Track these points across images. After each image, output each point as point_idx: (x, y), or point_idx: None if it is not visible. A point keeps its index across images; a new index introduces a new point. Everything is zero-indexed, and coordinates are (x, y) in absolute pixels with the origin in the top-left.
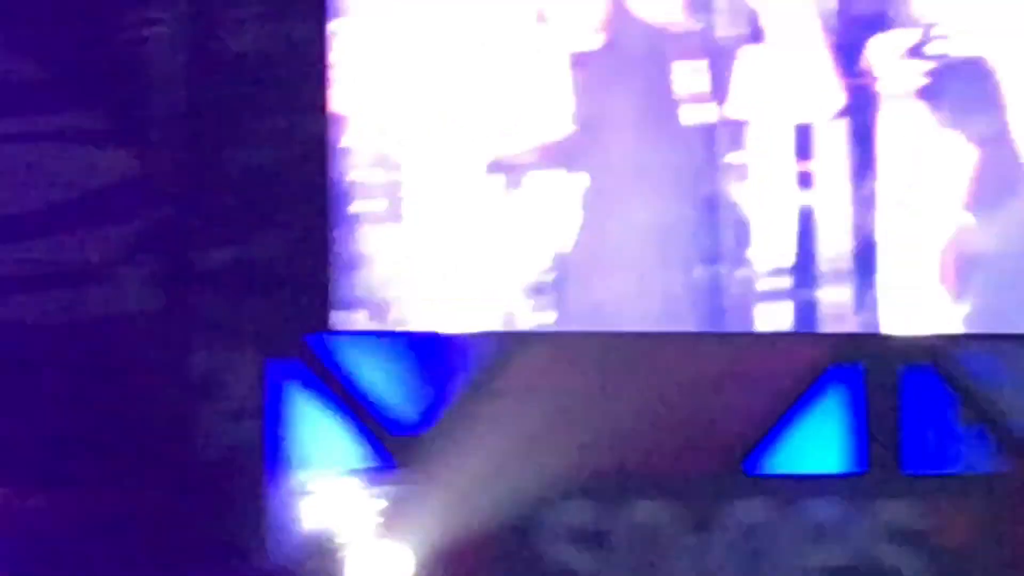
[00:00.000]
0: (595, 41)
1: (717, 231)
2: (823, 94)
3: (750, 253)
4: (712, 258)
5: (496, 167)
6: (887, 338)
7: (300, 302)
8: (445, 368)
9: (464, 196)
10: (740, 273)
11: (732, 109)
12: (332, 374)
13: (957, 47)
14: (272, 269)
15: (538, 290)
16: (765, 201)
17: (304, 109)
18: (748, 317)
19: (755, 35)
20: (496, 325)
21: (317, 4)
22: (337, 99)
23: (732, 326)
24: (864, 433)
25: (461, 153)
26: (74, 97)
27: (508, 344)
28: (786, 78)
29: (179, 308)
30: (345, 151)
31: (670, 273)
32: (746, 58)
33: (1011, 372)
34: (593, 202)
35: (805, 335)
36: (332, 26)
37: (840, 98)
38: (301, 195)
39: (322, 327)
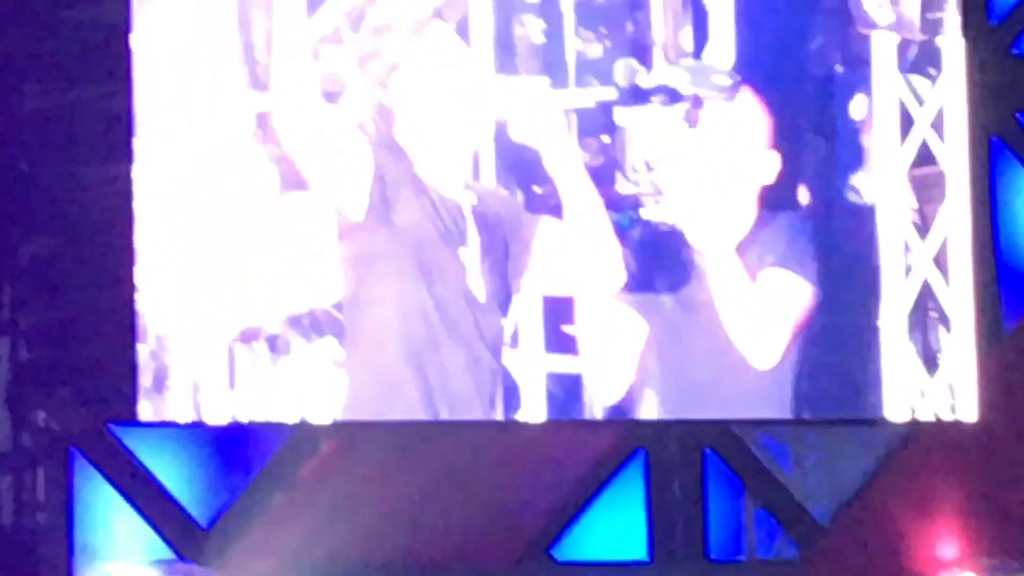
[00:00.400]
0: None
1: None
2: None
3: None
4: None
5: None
6: (685, 423)
7: (104, 392)
8: (240, 459)
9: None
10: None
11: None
12: (132, 464)
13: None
14: (77, 358)
15: None
16: None
17: None
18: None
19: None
20: (293, 416)
21: None
22: None
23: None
24: (663, 519)
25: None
26: None
27: (302, 435)
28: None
29: None
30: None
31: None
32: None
33: (805, 458)
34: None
35: (605, 422)
36: None
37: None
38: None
39: (126, 417)
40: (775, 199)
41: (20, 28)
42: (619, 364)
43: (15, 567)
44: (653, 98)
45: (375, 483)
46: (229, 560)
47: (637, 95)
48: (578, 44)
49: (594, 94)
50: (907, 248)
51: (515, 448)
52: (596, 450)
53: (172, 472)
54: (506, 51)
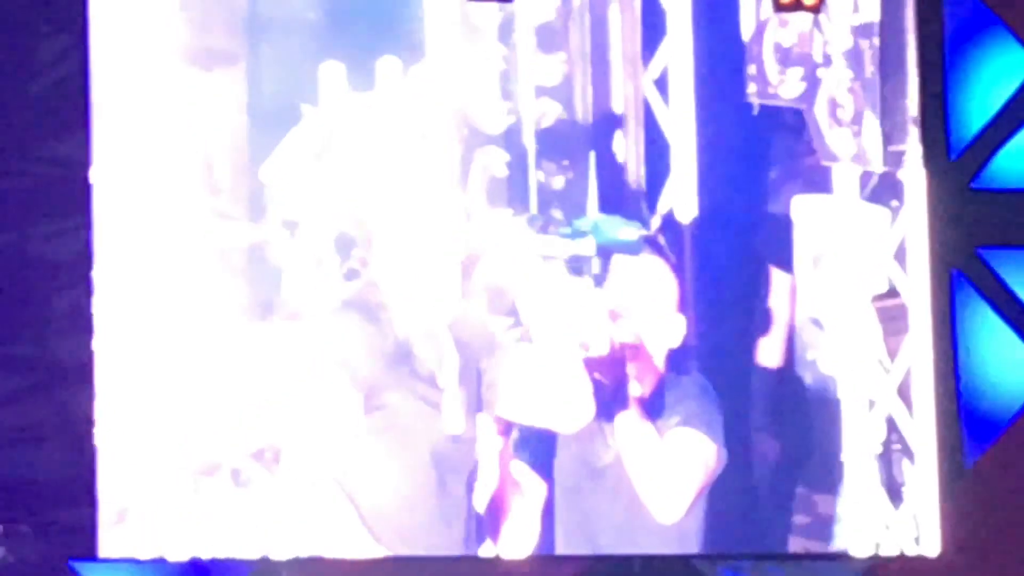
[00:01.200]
0: None
1: None
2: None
3: None
4: None
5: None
6: (650, 558)
7: (64, 527)
8: None
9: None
10: None
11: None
12: None
13: None
14: (36, 492)
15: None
16: None
17: None
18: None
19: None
20: (255, 552)
21: None
22: None
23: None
24: None
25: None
26: None
27: (263, 571)
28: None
29: None
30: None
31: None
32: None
33: None
34: None
35: (568, 556)
36: None
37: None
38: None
39: (89, 554)
40: (681, 361)
41: None
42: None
43: None
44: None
45: None
46: None
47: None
48: (540, 176)
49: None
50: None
51: None
52: None
53: None
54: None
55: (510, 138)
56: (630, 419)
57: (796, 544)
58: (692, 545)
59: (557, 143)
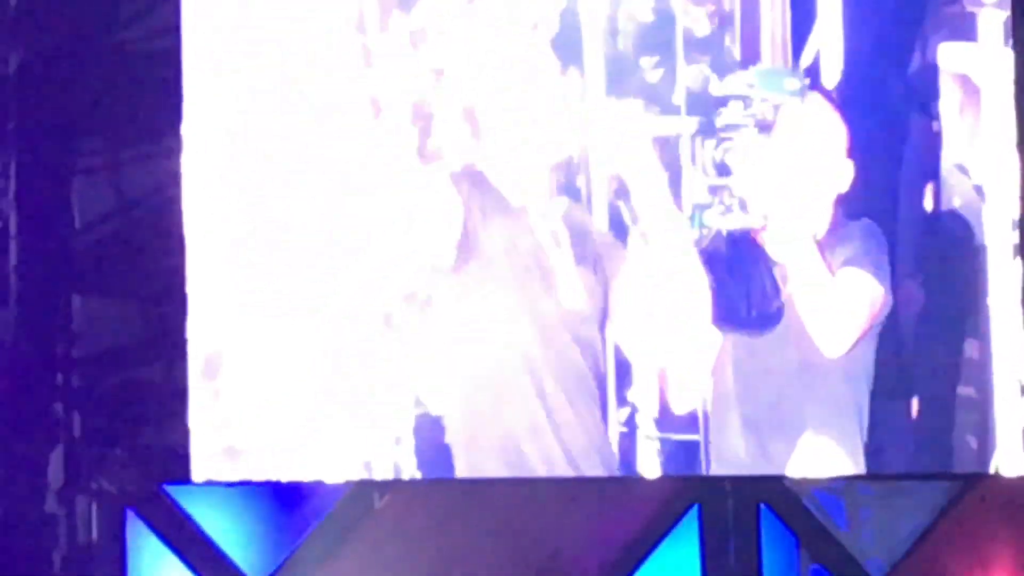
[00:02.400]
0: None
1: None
2: None
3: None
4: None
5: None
6: (743, 479)
7: (160, 451)
8: (295, 517)
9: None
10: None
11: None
12: (187, 523)
13: None
14: (130, 419)
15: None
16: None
17: None
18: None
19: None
20: (349, 474)
21: None
22: None
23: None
24: (718, 573)
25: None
26: None
27: (359, 492)
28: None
29: (38, 457)
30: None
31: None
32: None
33: (860, 512)
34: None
35: (660, 478)
36: None
37: None
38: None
39: (182, 476)
40: (852, 206)
41: None
42: (696, 373)
43: None
44: (730, 103)
45: (428, 540)
46: None
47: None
48: (686, 22)
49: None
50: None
51: (570, 503)
52: (651, 506)
53: (226, 531)
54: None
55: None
56: (806, 256)
57: (950, 390)
58: (862, 383)
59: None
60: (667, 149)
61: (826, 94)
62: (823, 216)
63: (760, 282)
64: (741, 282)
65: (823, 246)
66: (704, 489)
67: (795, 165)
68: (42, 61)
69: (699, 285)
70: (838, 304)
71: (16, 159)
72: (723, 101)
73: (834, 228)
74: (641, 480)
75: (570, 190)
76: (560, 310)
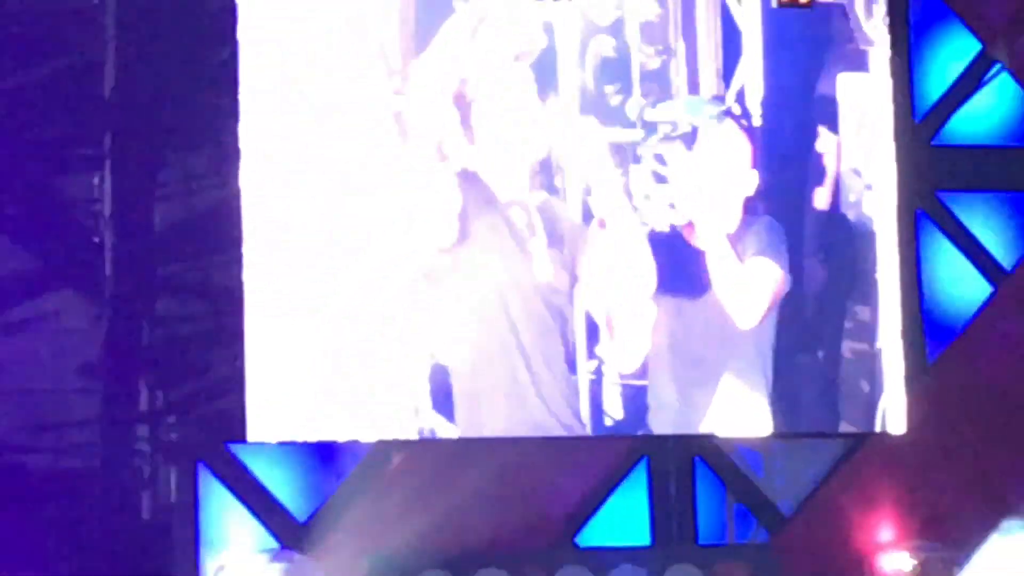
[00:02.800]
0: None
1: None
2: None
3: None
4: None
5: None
6: (681, 437)
7: (224, 416)
8: (332, 468)
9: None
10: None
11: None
12: (247, 474)
13: None
14: (203, 390)
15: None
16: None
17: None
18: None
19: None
20: (373, 434)
21: None
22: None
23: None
24: (662, 512)
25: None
26: None
27: (381, 449)
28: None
29: (128, 423)
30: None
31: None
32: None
33: (774, 463)
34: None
35: (616, 436)
36: None
37: None
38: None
39: (240, 436)
40: (757, 206)
41: None
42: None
43: (154, 557)
44: (660, 128)
45: (436, 488)
46: (323, 549)
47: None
48: (641, 58)
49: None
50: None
51: (547, 457)
52: (609, 458)
53: (277, 478)
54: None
55: (616, 29)
56: (720, 249)
57: (844, 345)
58: (766, 347)
59: (653, 33)
60: (623, 157)
61: (736, 120)
62: (734, 215)
63: (683, 268)
64: (669, 267)
65: (734, 239)
66: (652, 445)
67: (711, 175)
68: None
69: (645, 265)
70: (748, 286)
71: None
72: (655, 126)
73: (743, 224)
74: (602, 438)
75: (550, 187)
76: (536, 282)
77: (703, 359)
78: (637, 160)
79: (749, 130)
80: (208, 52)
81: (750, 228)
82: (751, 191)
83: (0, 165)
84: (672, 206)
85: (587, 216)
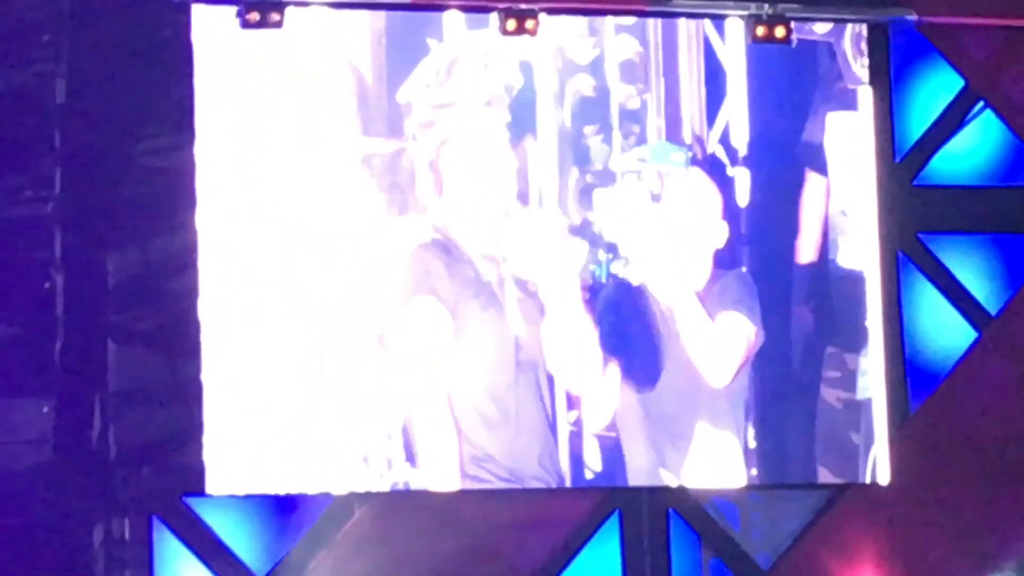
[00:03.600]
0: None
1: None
2: None
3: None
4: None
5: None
6: (655, 489)
7: (180, 468)
8: (296, 522)
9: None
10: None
11: None
12: (204, 529)
13: None
14: (153, 436)
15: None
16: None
17: None
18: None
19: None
20: (337, 487)
21: None
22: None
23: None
24: (635, 566)
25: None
26: None
27: (344, 503)
28: None
29: (79, 474)
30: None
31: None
32: None
33: (751, 515)
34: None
35: (589, 488)
36: None
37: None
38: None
39: (197, 489)
40: (726, 259)
41: None
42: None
43: None
44: (624, 176)
45: (401, 542)
46: None
47: (608, 175)
48: (620, 98)
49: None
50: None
51: (516, 510)
52: (582, 510)
53: (236, 533)
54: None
55: (595, 67)
56: (687, 307)
57: (829, 395)
58: (739, 404)
59: (633, 72)
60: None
61: (704, 167)
62: (703, 269)
63: (649, 325)
64: (634, 324)
65: (704, 294)
66: (624, 497)
67: (677, 228)
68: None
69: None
70: (719, 344)
71: (61, 236)
72: (616, 176)
73: (713, 278)
74: (571, 490)
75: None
76: (511, 337)
77: (674, 416)
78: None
79: (722, 179)
80: (162, 91)
81: (719, 282)
82: (721, 243)
83: None
84: (627, 263)
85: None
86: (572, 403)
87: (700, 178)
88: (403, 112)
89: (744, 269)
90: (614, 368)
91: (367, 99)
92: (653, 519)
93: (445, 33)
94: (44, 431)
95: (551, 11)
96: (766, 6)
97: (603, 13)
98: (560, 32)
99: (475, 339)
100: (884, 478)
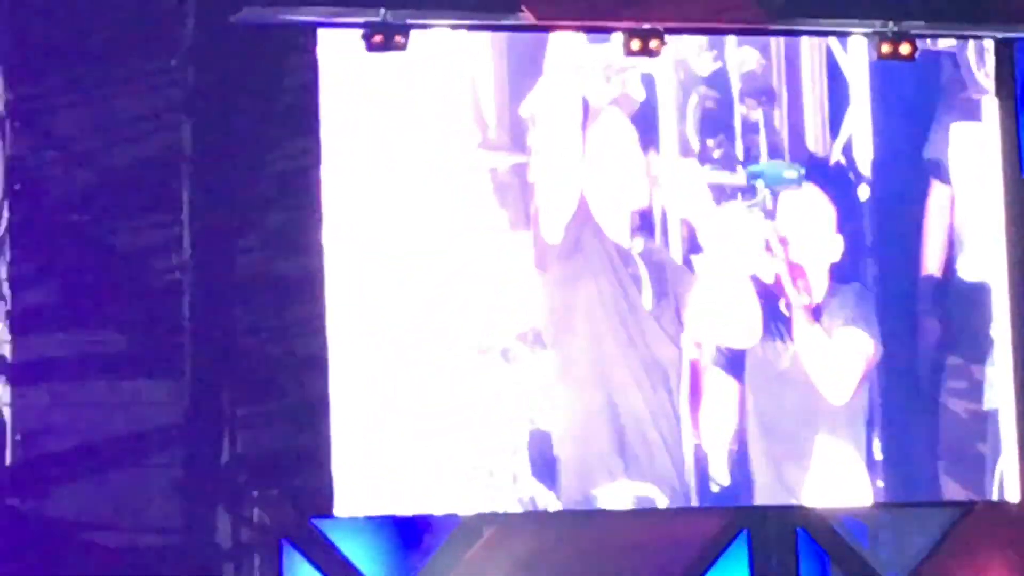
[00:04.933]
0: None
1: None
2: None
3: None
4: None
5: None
6: (782, 508)
7: (309, 491)
8: (424, 543)
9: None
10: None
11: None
12: (334, 552)
13: None
14: (281, 460)
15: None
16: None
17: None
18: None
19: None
20: (464, 507)
21: None
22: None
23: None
24: None
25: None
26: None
27: (471, 523)
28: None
29: (206, 496)
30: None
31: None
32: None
33: (880, 533)
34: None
35: (716, 508)
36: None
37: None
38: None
39: (326, 511)
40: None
41: None
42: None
43: None
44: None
45: (529, 562)
46: None
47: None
48: (742, 110)
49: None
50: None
51: (645, 530)
52: (710, 530)
53: (365, 555)
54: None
55: (718, 79)
56: (803, 325)
57: (955, 405)
58: (860, 418)
59: (755, 84)
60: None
61: (827, 178)
62: (819, 284)
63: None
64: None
65: (820, 308)
66: (751, 516)
67: (793, 243)
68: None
69: (750, 309)
70: (838, 361)
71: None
72: (732, 193)
73: (829, 293)
74: (702, 509)
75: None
76: (643, 341)
77: (795, 433)
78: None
79: (843, 189)
80: (288, 113)
81: (836, 297)
82: (836, 257)
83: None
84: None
85: (688, 263)
86: (697, 420)
87: (814, 193)
88: (525, 126)
89: (860, 283)
90: (734, 385)
91: (489, 114)
92: (781, 538)
93: (567, 48)
94: (174, 455)
95: (673, 31)
96: (891, 24)
97: (725, 32)
98: (681, 45)
99: (604, 355)
100: (1014, 495)
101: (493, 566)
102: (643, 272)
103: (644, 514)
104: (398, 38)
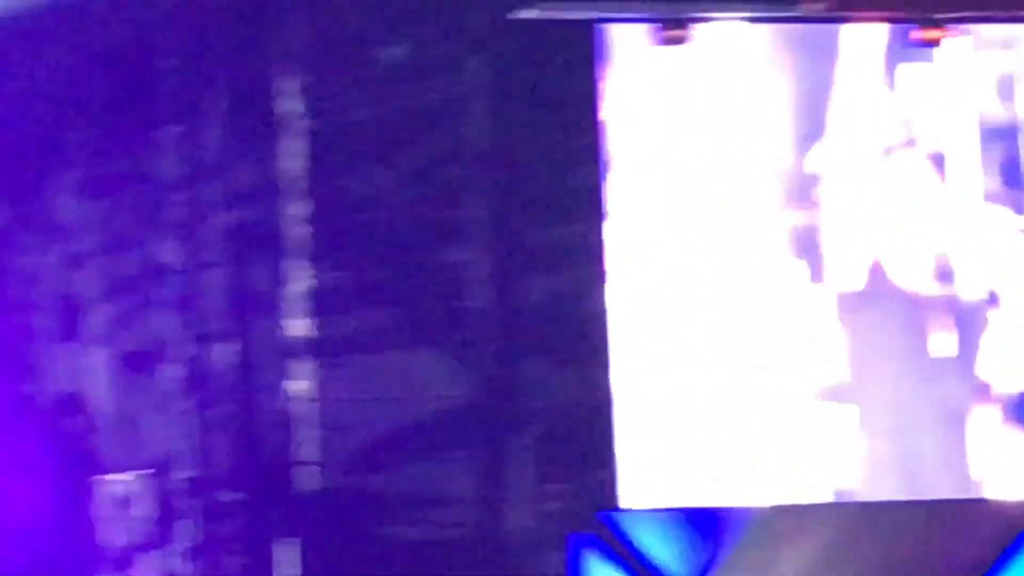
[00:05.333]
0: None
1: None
2: None
3: None
4: None
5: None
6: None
7: (594, 483)
8: (719, 539)
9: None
10: None
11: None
12: (622, 545)
13: None
14: (567, 453)
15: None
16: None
17: None
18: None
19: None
20: (768, 500)
21: None
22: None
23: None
24: None
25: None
26: None
27: (762, 517)
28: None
29: (496, 490)
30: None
31: None
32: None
33: None
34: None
35: (1002, 501)
36: None
37: None
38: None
39: (613, 505)
40: None
41: None
42: None
43: None
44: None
45: (824, 556)
46: None
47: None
48: None
49: None
50: None
51: (935, 521)
52: (1001, 524)
53: (656, 548)
54: None
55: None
56: None
57: None
58: None
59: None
60: None
61: None
62: None
63: None
64: None
65: None
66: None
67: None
68: None
69: None
70: None
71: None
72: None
73: None
74: (992, 503)
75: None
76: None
77: None
78: None
79: None
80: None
81: None
82: None
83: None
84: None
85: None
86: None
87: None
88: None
89: None
90: None
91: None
92: None
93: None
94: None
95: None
96: None
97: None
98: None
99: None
100: None
101: (788, 560)
102: (941, 318)
103: (927, 505)
104: (683, 32)
